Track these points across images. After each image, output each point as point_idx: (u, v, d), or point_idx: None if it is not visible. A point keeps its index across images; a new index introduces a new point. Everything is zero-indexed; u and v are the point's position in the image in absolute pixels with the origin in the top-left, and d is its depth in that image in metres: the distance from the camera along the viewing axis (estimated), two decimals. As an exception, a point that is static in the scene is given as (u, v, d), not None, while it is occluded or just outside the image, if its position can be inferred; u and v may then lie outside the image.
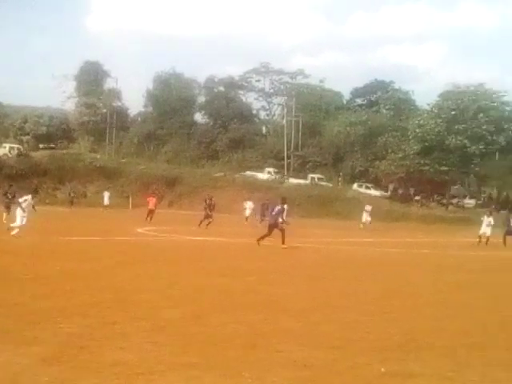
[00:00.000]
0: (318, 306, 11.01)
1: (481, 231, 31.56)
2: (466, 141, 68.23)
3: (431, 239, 35.22)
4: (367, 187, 73.33)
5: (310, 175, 76.45)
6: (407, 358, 7.46)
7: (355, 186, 73.70)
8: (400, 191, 74.92)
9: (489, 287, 15.33)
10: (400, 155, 70.96)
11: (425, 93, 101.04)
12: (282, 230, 24.00)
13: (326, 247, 25.98)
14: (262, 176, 74.07)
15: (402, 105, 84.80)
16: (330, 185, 71.88)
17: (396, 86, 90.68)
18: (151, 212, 39.69)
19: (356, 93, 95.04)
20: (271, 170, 78.51)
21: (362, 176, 77.22)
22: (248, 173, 75.56)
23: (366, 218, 44.45)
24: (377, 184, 75.37)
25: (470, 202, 72.19)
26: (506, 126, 69.10)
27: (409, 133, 71.92)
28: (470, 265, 21.30)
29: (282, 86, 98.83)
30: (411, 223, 52.32)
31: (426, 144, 69.41)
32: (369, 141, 77.49)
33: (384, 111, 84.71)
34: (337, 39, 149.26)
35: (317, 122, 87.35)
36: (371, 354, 7.56)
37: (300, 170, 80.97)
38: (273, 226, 24.37)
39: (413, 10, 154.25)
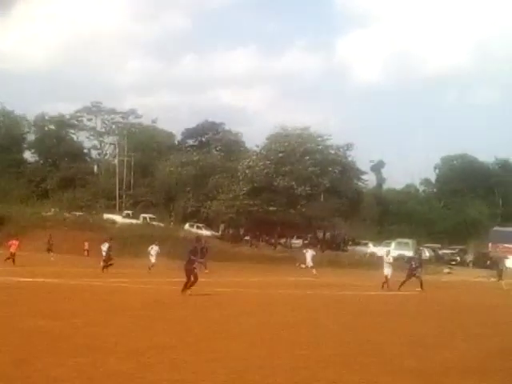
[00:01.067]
0: (147, 347, 11.20)
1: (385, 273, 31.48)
2: (293, 182, 70.04)
3: (260, 278, 36.13)
4: (198, 227, 73.86)
5: (142, 215, 76.15)
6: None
7: (187, 225, 73.99)
8: (230, 231, 76.20)
9: (316, 325, 16.06)
10: (230, 196, 72.00)
11: (254, 135, 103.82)
12: (195, 276, 22.24)
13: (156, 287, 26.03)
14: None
15: (232, 146, 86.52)
16: (162, 225, 71.86)
17: (226, 128, 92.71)
18: (12, 255, 38.57)
19: (187, 133, 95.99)
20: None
21: (193, 216, 77.68)
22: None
23: (308, 261, 43.24)
24: (208, 224, 76.15)
25: (296, 242, 74.58)
26: (329, 169, 71.70)
27: (239, 174, 73.10)
28: (299, 303, 22.22)
29: (113, 126, 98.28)
30: (241, 263, 53.27)
31: (255, 185, 70.81)
32: (200, 181, 78.21)
33: (215, 152, 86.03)
34: (169, 80, 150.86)
35: (149, 162, 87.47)
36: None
37: (132, 210, 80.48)
38: (189, 271, 22.23)
39: (242, 55, 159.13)
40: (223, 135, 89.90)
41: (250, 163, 72.52)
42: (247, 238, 73.88)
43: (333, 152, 75.18)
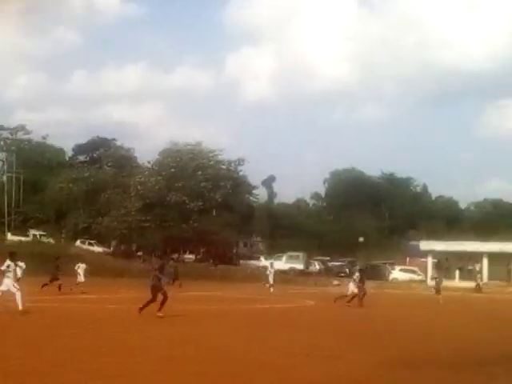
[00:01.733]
0: (33, 368, 11.22)
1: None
2: (185, 197, 70.56)
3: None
4: (90, 243, 73.25)
5: (32, 232, 74.84)
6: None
7: (78, 242, 73.13)
8: (122, 247, 75.85)
9: (211, 340, 16.20)
10: (122, 211, 71.69)
11: (147, 150, 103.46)
12: (165, 294, 20.92)
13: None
14: None
15: (123, 162, 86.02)
16: (53, 241, 70.75)
17: (118, 143, 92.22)
18: None
19: (79, 149, 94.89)
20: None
21: (85, 232, 76.85)
22: None
23: (270, 278, 43.28)
24: (100, 240, 75.58)
25: (189, 257, 75.01)
26: (221, 184, 72.51)
27: (131, 189, 72.93)
28: (195, 318, 22.58)
29: (1, 142, 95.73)
30: (134, 279, 52.99)
31: (148, 201, 70.77)
32: (92, 197, 77.54)
33: (106, 168, 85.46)
34: (59, 95, 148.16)
35: (39, 179, 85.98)
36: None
37: (21, 227, 78.94)
38: (157, 289, 20.98)
39: (133, 71, 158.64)
40: (115, 151, 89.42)
41: (142, 179, 72.53)
42: (140, 253, 73.75)
43: (224, 167, 76.16)
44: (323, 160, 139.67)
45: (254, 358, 13.37)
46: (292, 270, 68.55)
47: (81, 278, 37.87)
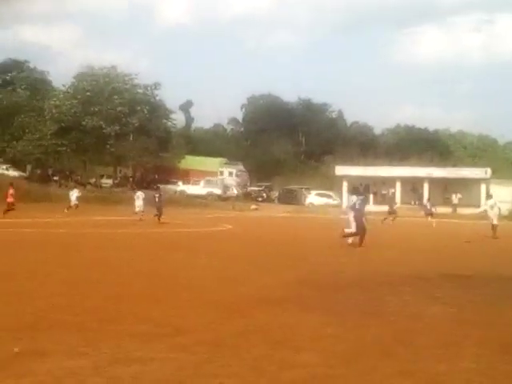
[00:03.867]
0: None
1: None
2: (101, 122, 69.97)
3: (71, 218, 36.38)
4: (5, 168, 72.00)
5: None
6: (39, 337, 7.85)
7: (-8, 166, 71.86)
8: (38, 171, 74.90)
9: (125, 263, 16.49)
10: (37, 135, 70.65)
11: (61, 73, 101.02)
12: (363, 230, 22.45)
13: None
14: None
15: (38, 85, 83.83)
16: (-35, 166, 69.15)
17: (32, 66, 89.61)
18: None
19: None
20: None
21: (-1, 156, 75.52)
22: None
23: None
24: (15, 165, 74.29)
25: (107, 182, 74.78)
26: (138, 108, 71.98)
27: (45, 113, 71.77)
28: (111, 242, 22.97)
29: None
30: (51, 203, 52.69)
31: (63, 125, 69.89)
32: (6, 121, 75.68)
33: (20, 91, 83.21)
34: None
35: None
36: (3, 334, 7.92)
37: None
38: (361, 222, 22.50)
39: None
40: (28, 73, 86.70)
41: (57, 102, 71.32)
42: (56, 178, 72.99)
43: (141, 91, 75.50)
44: (240, 86, 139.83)
45: (169, 280, 13.73)
46: (210, 194, 69.42)
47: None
